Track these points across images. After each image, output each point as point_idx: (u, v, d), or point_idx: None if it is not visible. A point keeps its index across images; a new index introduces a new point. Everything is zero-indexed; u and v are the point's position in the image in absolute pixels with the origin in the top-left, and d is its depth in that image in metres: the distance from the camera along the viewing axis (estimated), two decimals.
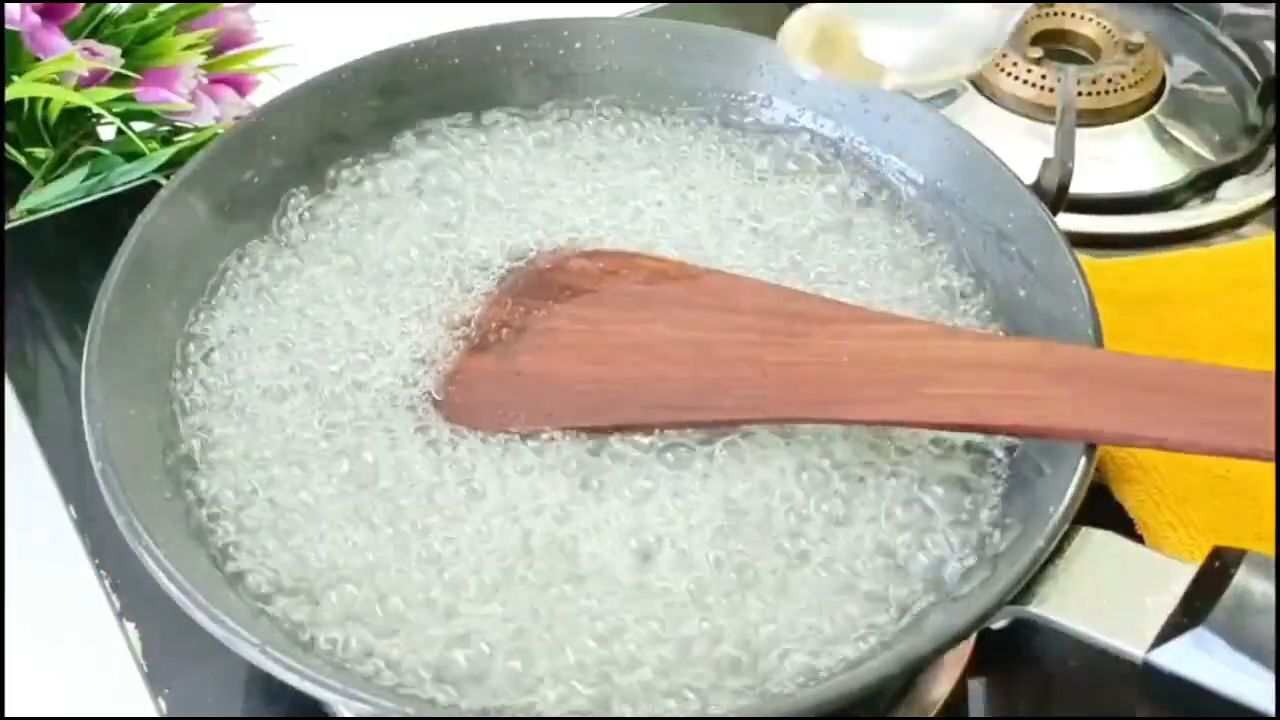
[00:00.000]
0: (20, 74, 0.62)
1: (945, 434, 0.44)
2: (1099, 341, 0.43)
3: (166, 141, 0.66)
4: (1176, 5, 0.76)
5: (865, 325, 0.43)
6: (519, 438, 0.43)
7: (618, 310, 0.46)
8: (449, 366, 0.46)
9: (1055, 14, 0.73)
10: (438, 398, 0.45)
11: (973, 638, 0.46)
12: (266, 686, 0.46)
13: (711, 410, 0.42)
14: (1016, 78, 0.69)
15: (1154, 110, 0.70)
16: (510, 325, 0.46)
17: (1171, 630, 0.35)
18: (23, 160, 0.65)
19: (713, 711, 0.38)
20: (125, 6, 0.65)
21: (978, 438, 0.44)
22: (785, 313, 0.44)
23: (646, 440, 0.43)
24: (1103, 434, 0.38)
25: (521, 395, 0.45)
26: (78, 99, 0.61)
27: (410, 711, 0.36)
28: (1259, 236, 0.64)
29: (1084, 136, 0.63)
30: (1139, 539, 0.48)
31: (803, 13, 0.44)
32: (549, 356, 0.45)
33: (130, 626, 0.49)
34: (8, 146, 0.64)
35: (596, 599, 0.40)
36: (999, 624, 0.37)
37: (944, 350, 0.41)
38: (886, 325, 0.43)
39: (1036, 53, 0.70)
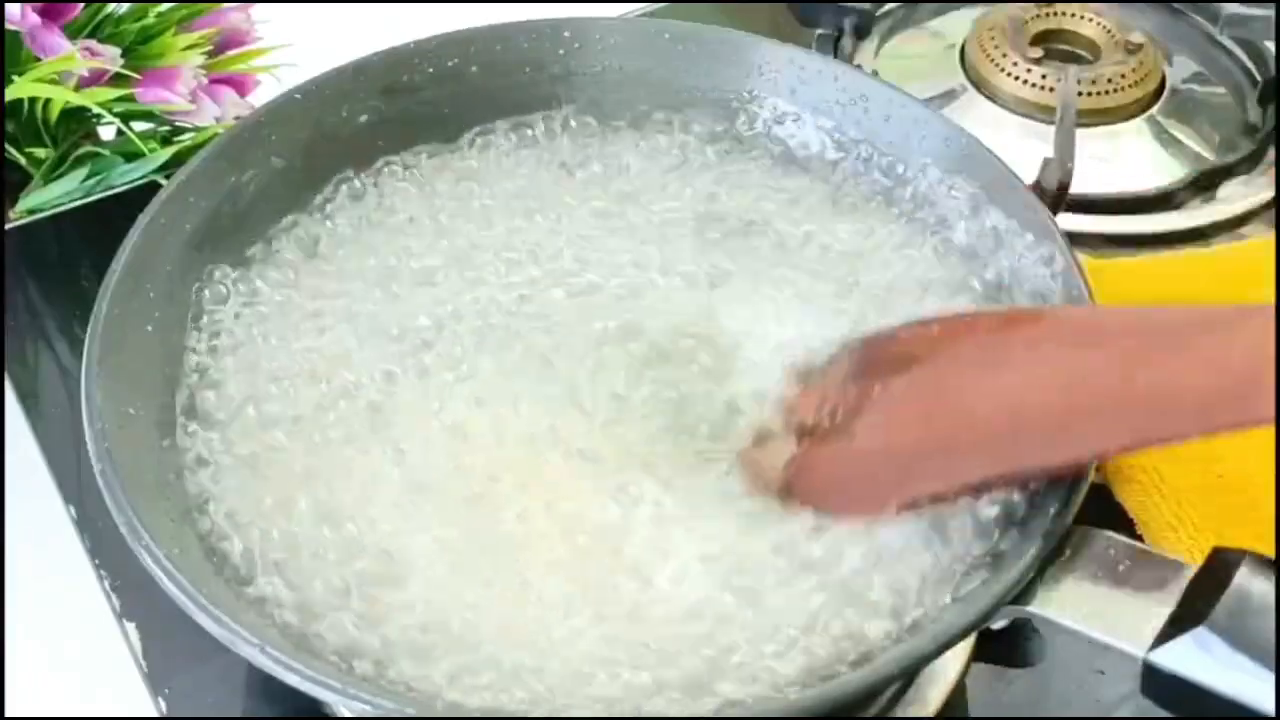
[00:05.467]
0: (20, 74, 0.62)
1: None
2: None
3: (166, 141, 0.66)
4: (1176, 5, 0.76)
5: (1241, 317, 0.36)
6: None
7: (960, 367, 0.41)
8: None
9: (1055, 14, 0.73)
10: None
11: (973, 638, 0.46)
12: (266, 686, 0.46)
13: (1077, 444, 0.37)
14: (1016, 78, 0.69)
15: (1154, 110, 0.70)
16: (844, 407, 0.42)
17: (1171, 630, 0.35)
18: (23, 160, 0.65)
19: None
20: (125, 6, 0.65)
21: None
22: (1144, 328, 0.38)
23: None
24: None
25: (869, 472, 0.41)
26: (78, 99, 0.61)
27: (411, 712, 0.36)
28: (1259, 236, 0.64)
29: (1084, 136, 0.63)
30: (1139, 539, 0.48)
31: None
32: (892, 428, 0.41)
33: (130, 626, 0.49)
34: (8, 146, 0.64)
35: None
36: (999, 624, 0.37)
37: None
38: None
39: (1036, 53, 0.70)
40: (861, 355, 0.44)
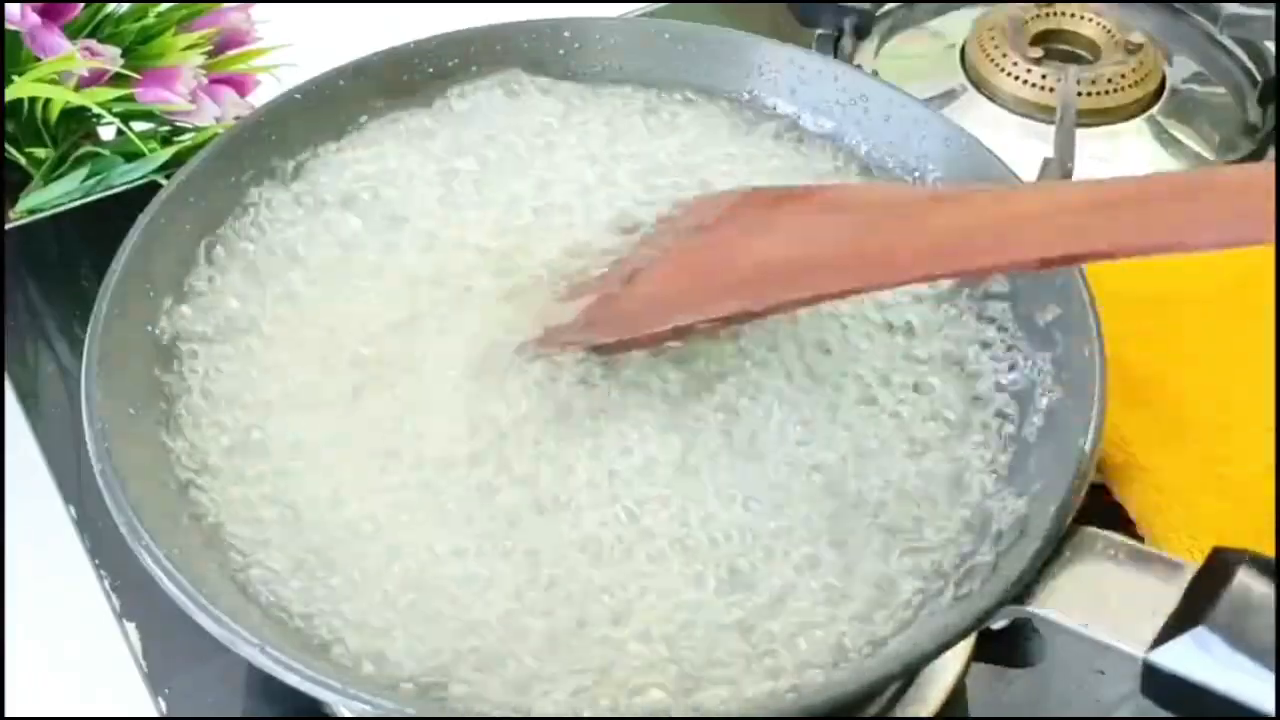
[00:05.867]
0: (20, 74, 0.62)
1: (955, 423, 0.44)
2: (1099, 341, 0.43)
3: (166, 141, 0.66)
4: (1176, 5, 0.76)
5: (961, 198, 0.44)
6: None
7: (733, 230, 0.47)
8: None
9: (1055, 14, 0.73)
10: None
11: (973, 638, 0.46)
12: (266, 686, 0.46)
13: (806, 288, 0.43)
14: (1016, 78, 0.69)
15: (1154, 110, 0.70)
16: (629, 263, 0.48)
17: (1171, 630, 0.34)
18: (23, 160, 0.65)
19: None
20: (125, 6, 0.65)
21: (982, 436, 0.44)
22: (880, 203, 0.45)
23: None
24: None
25: (640, 309, 0.46)
26: (78, 99, 0.61)
27: (410, 712, 0.36)
28: None
29: (1084, 136, 0.63)
30: (1139, 539, 0.48)
31: None
32: (661, 278, 0.47)
33: (130, 626, 0.49)
34: (8, 146, 0.64)
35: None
36: (999, 624, 0.37)
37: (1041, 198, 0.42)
38: (979, 194, 0.44)
39: (1036, 53, 0.70)
40: (667, 221, 0.50)
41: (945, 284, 0.49)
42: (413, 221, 0.51)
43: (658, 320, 0.45)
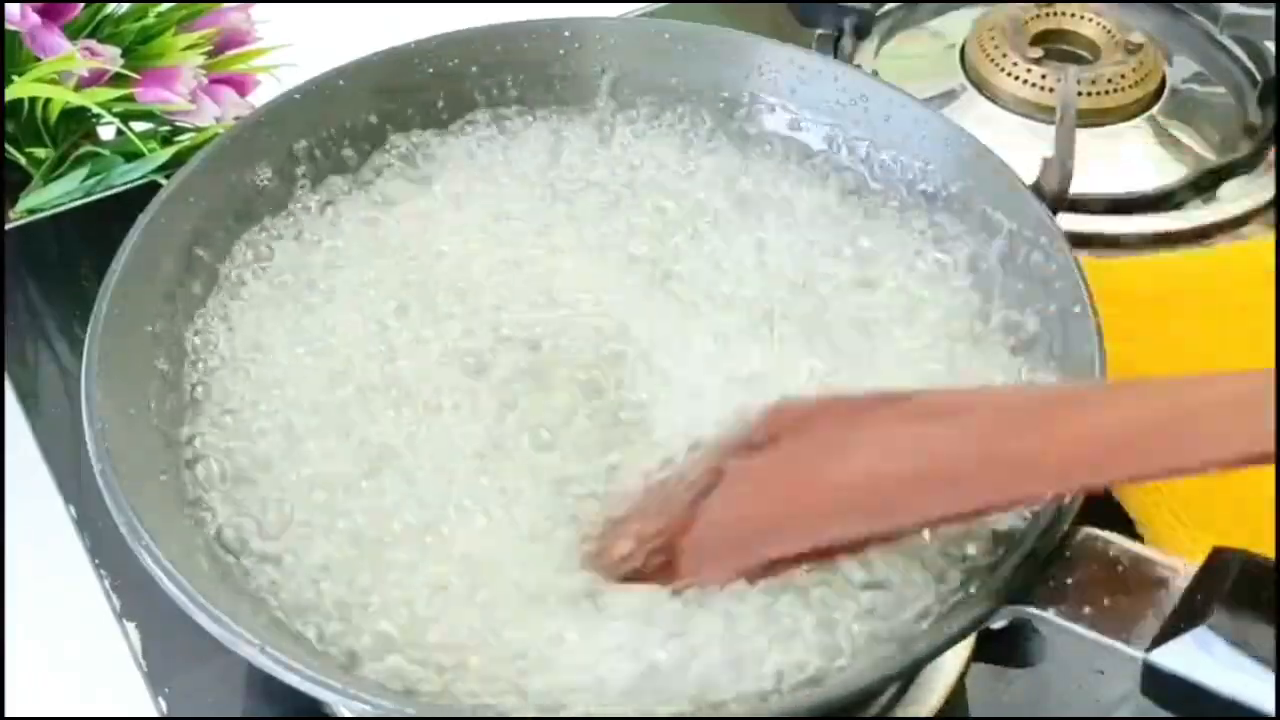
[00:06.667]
0: (20, 74, 0.62)
1: None
2: (1100, 341, 0.43)
3: (166, 141, 0.66)
4: (1176, 5, 0.76)
5: (1097, 396, 0.39)
6: None
7: (816, 445, 0.41)
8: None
9: (1055, 14, 0.73)
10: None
11: (973, 638, 0.46)
12: (266, 686, 0.46)
13: (934, 506, 0.38)
14: (1016, 78, 0.69)
15: (1154, 110, 0.70)
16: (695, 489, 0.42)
17: (1171, 630, 0.34)
18: (23, 160, 0.65)
19: None
20: (125, 6, 0.65)
21: None
22: (1002, 406, 0.40)
23: None
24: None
25: (721, 540, 0.41)
26: (78, 99, 0.61)
27: (410, 712, 0.36)
28: (1259, 236, 0.64)
29: (1084, 136, 0.63)
30: (1139, 539, 0.48)
31: None
32: (746, 501, 0.41)
33: (130, 626, 0.49)
34: (8, 146, 0.64)
35: None
36: (999, 624, 0.37)
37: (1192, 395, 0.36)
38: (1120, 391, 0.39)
39: (1036, 53, 0.70)
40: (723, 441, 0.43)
41: (948, 278, 0.49)
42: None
43: (744, 554, 0.39)
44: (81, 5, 0.63)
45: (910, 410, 0.41)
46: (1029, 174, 0.51)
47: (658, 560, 0.40)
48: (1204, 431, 0.34)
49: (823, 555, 0.39)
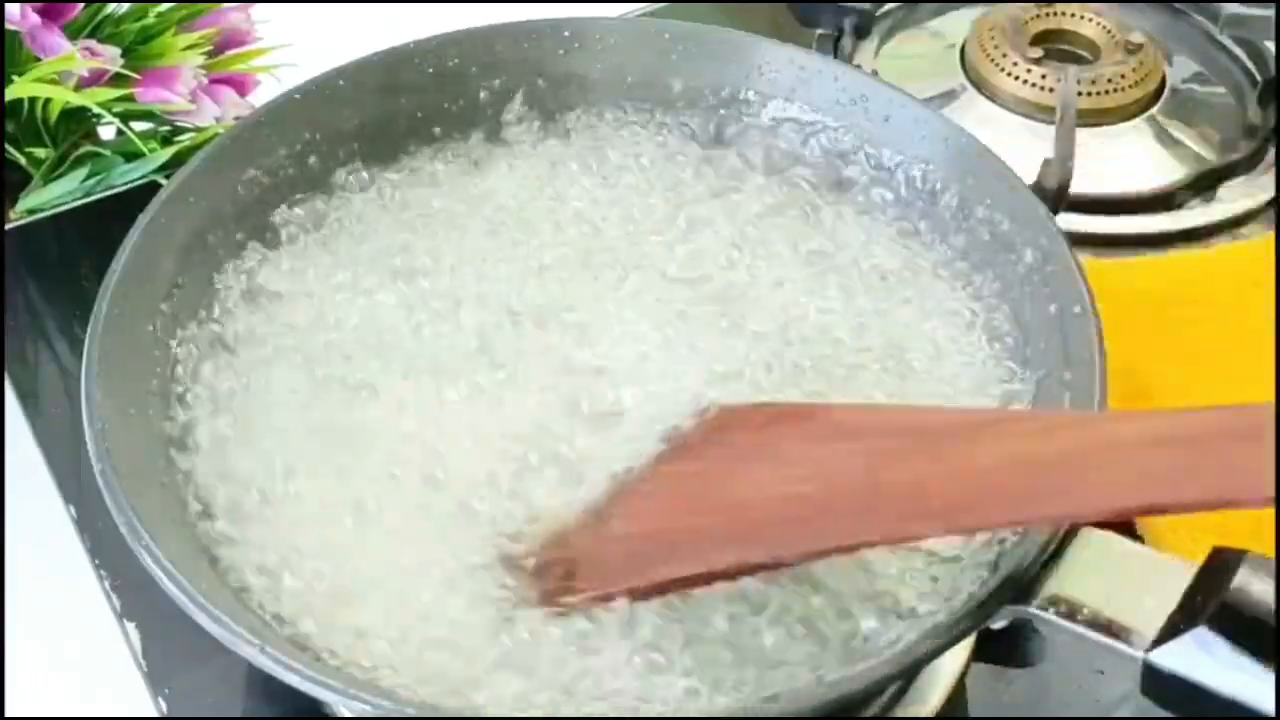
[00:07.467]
0: (20, 74, 0.62)
1: None
2: (1100, 341, 0.43)
3: (166, 141, 0.66)
4: (1176, 5, 0.76)
5: (997, 427, 0.38)
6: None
7: (728, 458, 0.41)
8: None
9: (1055, 14, 0.73)
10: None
11: (973, 638, 0.46)
12: (266, 686, 0.46)
13: (825, 538, 0.37)
14: (1016, 78, 0.69)
15: (1154, 110, 0.70)
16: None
17: (1171, 630, 0.34)
18: (23, 160, 0.65)
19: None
20: (125, 6, 0.65)
21: None
22: (904, 429, 0.39)
23: None
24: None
25: (620, 554, 0.40)
26: (78, 99, 0.61)
27: (410, 712, 0.36)
28: (1259, 236, 0.64)
29: (1084, 136, 0.63)
30: (1139, 539, 0.48)
31: None
32: (645, 516, 0.40)
33: (130, 626, 0.49)
34: (8, 146, 0.64)
35: None
36: (999, 624, 0.37)
37: (1097, 434, 0.35)
38: (1022, 423, 0.38)
39: (1036, 53, 0.70)
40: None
41: (948, 278, 0.50)
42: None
43: (637, 572, 0.38)
44: (81, 5, 0.63)
45: (820, 426, 0.40)
46: (1029, 174, 0.51)
47: (559, 574, 0.40)
48: (1097, 479, 0.32)
49: (716, 579, 0.38)
